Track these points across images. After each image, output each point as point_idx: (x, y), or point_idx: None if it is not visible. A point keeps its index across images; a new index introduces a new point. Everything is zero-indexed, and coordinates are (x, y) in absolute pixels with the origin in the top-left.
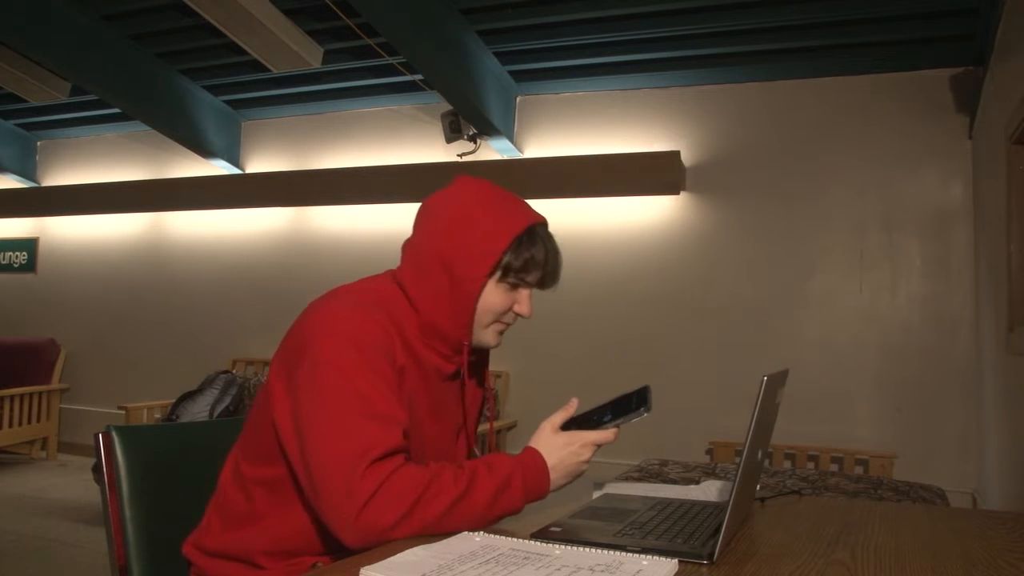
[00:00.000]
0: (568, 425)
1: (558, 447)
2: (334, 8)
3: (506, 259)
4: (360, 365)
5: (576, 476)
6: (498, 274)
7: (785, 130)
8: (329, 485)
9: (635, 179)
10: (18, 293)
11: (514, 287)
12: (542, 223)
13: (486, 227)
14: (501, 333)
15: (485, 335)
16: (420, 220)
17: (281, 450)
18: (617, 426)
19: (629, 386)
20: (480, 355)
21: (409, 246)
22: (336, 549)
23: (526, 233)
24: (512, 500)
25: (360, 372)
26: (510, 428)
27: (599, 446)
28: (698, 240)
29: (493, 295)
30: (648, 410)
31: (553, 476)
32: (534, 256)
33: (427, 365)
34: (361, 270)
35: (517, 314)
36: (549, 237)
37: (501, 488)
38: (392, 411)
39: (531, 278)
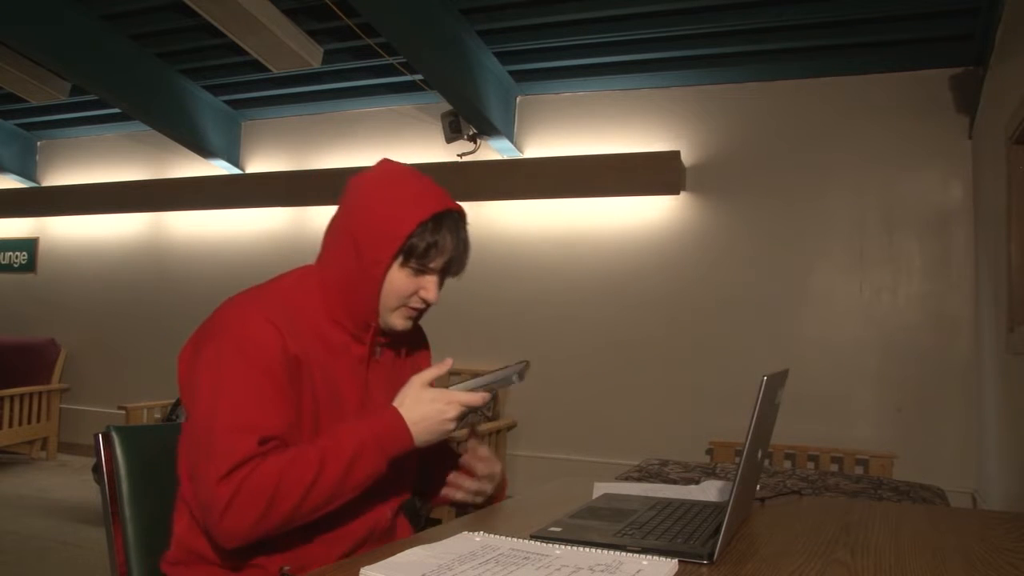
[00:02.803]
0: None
1: (424, 402)
2: (334, 8)
3: (409, 243)
4: (233, 375)
5: (443, 433)
6: (401, 258)
7: (785, 130)
8: (198, 498)
9: (635, 179)
10: (18, 293)
11: (418, 272)
12: (455, 211)
13: (394, 211)
14: (411, 318)
15: (391, 318)
16: (340, 201)
17: None
18: (488, 390)
19: (629, 386)
20: (408, 338)
21: (328, 227)
22: (296, 546)
23: (432, 219)
24: (371, 464)
25: (231, 383)
26: (510, 428)
27: (467, 407)
28: (698, 240)
29: (397, 278)
30: (520, 379)
31: (416, 430)
32: (437, 242)
33: (337, 347)
34: None
35: (423, 299)
36: (458, 226)
37: (352, 460)
38: (254, 419)
39: (434, 264)
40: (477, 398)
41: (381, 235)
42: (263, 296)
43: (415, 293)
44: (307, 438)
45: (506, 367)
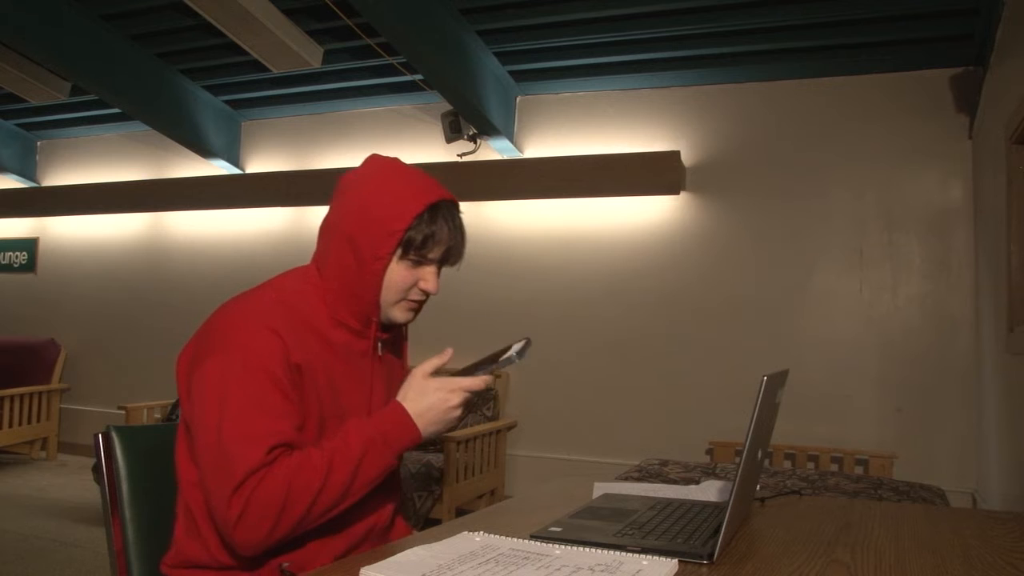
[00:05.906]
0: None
1: (427, 393)
2: (334, 8)
3: (407, 237)
4: (238, 387)
5: (450, 421)
6: (400, 252)
7: (785, 130)
8: (211, 510)
9: (635, 179)
10: (18, 293)
11: (417, 264)
12: (448, 200)
13: (389, 207)
14: (413, 311)
15: (393, 312)
16: (332, 200)
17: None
18: (489, 372)
19: (629, 386)
20: (397, 333)
21: (322, 227)
22: (297, 546)
23: (427, 211)
24: (380, 462)
25: (236, 395)
26: (510, 428)
27: (470, 393)
28: (698, 240)
29: (397, 272)
30: (520, 357)
31: (422, 422)
32: (434, 233)
33: (339, 347)
34: None
35: (423, 291)
36: (453, 215)
37: (360, 460)
38: (261, 428)
39: (432, 255)
40: (479, 382)
41: (378, 232)
42: (262, 301)
43: (415, 285)
44: (313, 440)
45: (507, 346)
